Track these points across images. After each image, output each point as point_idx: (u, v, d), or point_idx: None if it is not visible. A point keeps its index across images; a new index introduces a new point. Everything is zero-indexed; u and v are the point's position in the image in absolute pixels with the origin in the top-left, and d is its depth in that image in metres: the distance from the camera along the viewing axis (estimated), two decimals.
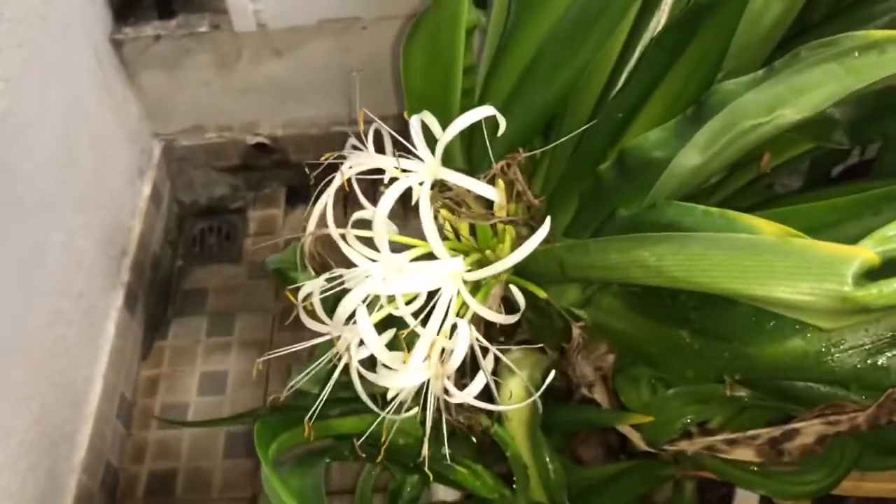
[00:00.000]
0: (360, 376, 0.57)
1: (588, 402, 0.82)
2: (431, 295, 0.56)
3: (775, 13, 0.65)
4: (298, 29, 1.43)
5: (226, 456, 1.41)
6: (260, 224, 1.68)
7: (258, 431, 0.61)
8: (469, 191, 0.56)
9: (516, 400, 0.70)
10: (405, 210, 0.61)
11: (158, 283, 1.58)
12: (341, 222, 0.58)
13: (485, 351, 0.57)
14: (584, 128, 0.65)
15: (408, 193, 0.55)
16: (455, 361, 0.52)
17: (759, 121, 0.56)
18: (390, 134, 0.60)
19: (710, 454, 0.77)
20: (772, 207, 0.66)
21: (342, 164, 0.59)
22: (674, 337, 0.65)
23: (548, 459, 0.79)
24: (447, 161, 0.57)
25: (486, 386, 0.57)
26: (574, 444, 0.96)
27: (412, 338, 0.54)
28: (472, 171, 0.57)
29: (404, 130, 0.58)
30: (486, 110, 0.54)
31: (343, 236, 0.56)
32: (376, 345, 0.53)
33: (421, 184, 0.54)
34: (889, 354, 0.55)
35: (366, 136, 0.59)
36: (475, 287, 0.59)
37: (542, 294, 0.61)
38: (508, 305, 0.61)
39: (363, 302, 0.54)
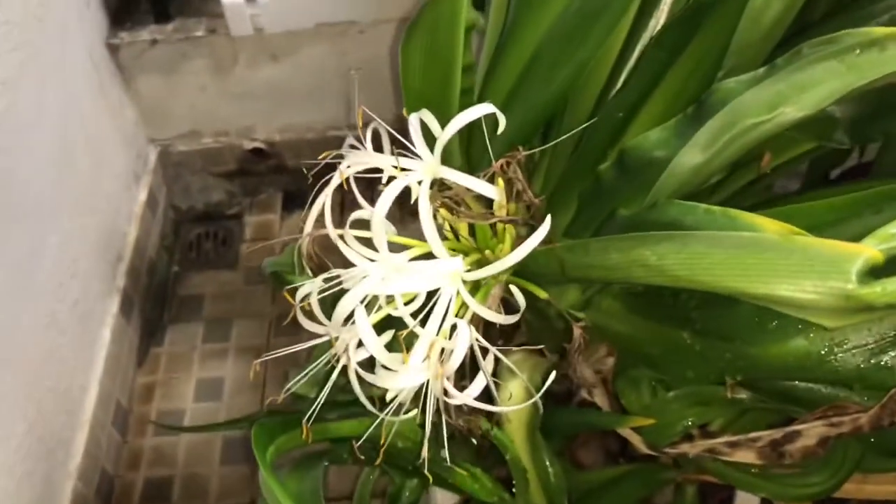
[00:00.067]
0: (359, 378, 0.56)
1: (588, 405, 0.81)
2: (430, 296, 0.55)
3: (776, 11, 0.64)
4: (295, 33, 1.43)
5: (223, 462, 1.40)
6: (256, 229, 1.67)
7: (256, 434, 0.61)
8: (468, 190, 0.56)
9: (516, 402, 0.69)
10: (402, 214, 0.61)
11: (154, 288, 1.58)
12: (339, 226, 0.58)
13: (484, 352, 0.56)
14: (583, 126, 0.64)
15: (405, 197, 0.55)
16: (455, 361, 0.52)
17: (760, 119, 0.55)
18: (388, 134, 0.59)
19: (712, 457, 0.77)
20: (772, 207, 0.65)
21: (340, 163, 0.59)
22: (675, 338, 0.65)
23: (548, 463, 0.78)
24: (446, 161, 0.56)
25: (486, 388, 0.57)
26: (573, 448, 0.96)
27: (411, 338, 0.54)
28: (470, 171, 0.57)
29: (402, 134, 0.57)
30: (485, 108, 0.53)
31: (341, 237, 0.56)
32: (375, 345, 0.52)
33: (420, 182, 0.54)
34: (893, 353, 0.55)
35: (364, 135, 0.58)
36: (474, 287, 0.59)
37: (542, 294, 0.60)
38: (508, 307, 0.61)
39: (361, 302, 0.53)
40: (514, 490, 0.79)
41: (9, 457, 1.10)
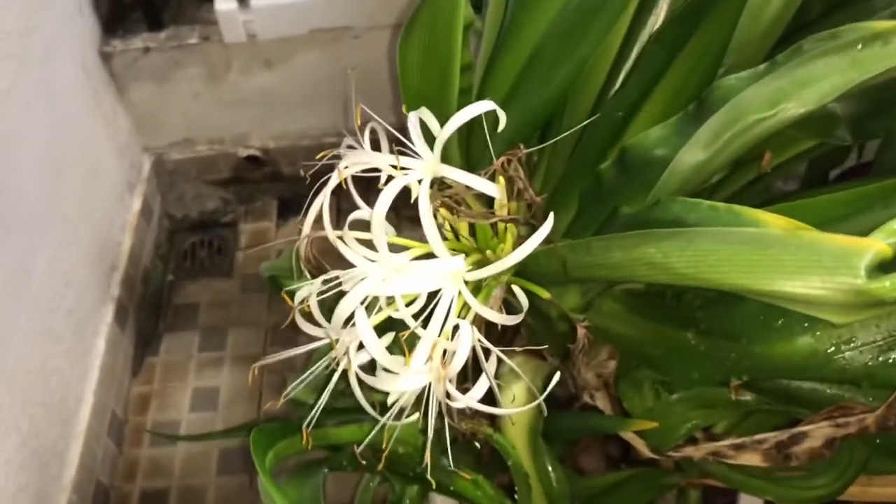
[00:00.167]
0: (360, 382, 0.55)
1: (590, 409, 0.80)
2: (431, 297, 0.54)
3: (776, 8, 0.64)
4: (289, 39, 1.42)
5: (219, 473, 1.39)
6: (252, 237, 1.67)
7: (254, 440, 0.60)
8: (468, 189, 0.55)
9: (519, 406, 0.68)
10: (398, 220, 0.60)
11: (149, 298, 1.57)
12: (336, 229, 0.57)
13: (486, 354, 0.55)
14: (583, 124, 0.63)
15: (401, 203, 0.54)
16: (458, 363, 0.51)
17: (762, 115, 0.54)
18: (387, 134, 0.59)
19: (716, 460, 0.76)
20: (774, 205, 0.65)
21: (338, 165, 0.58)
22: (678, 338, 0.64)
23: (550, 468, 0.77)
24: (444, 161, 0.55)
25: (488, 392, 0.56)
26: (575, 454, 0.95)
27: (412, 340, 0.53)
28: (470, 171, 0.56)
29: (399, 139, 0.57)
30: (485, 104, 0.52)
31: (340, 238, 0.55)
32: (376, 347, 0.51)
33: (420, 181, 0.53)
34: None
35: (361, 135, 0.57)
36: (476, 289, 0.58)
37: (544, 294, 0.59)
38: (509, 309, 0.60)
39: (362, 304, 0.52)
40: (515, 497, 0.78)
41: (2, 469, 1.09)
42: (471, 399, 0.53)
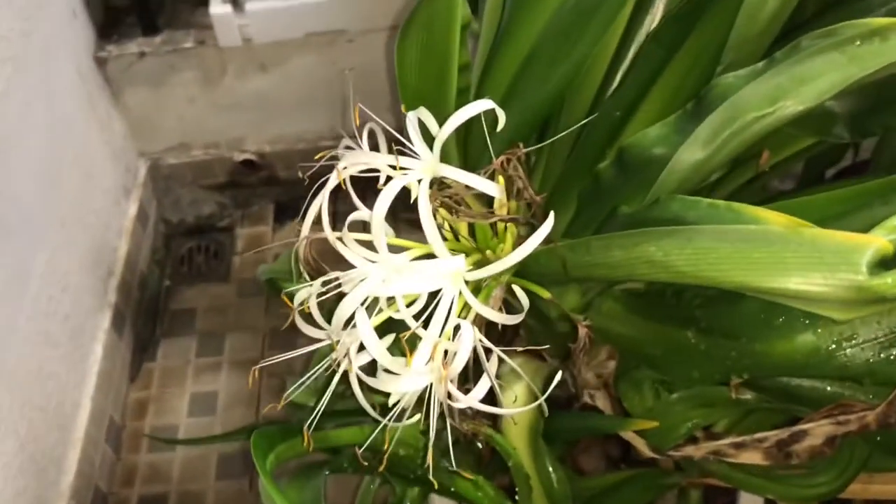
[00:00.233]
0: (360, 383, 0.55)
1: (590, 410, 0.80)
2: (431, 298, 0.54)
3: (773, 6, 0.64)
4: (284, 43, 1.42)
5: (218, 477, 1.39)
6: (248, 242, 1.66)
7: (255, 442, 0.59)
8: (468, 189, 0.55)
9: (520, 406, 0.68)
10: (396, 222, 0.60)
11: (146, 303, 1.56)
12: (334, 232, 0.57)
13: (487, 354, 0.55)
14: (581, 123, 0.63)
15: (398, 207, 0.54)
16: (459, 362, 0.51)
17: (761, 113, 0.54)
18: (385, 135, 0.58)
19: (717, 459, 0.76)
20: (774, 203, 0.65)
21: (336, 166, 0.58)
22: (679, 338, 0.64)
23: (550, 469, 0.77)
24: (443, 161, 0.55)
25: (489, 393, 0.56)
26: (575, 454, 0.95)
27: (413, 341, 0.53)
28: (469, 171, 0.56)
29: (396, 140, 0.57)
30: (485, 103, 0.52)
31: (340, 239, 0.55)
32: (377, 347, 0.51)
33: (419, 181, 0.53)
34: None
35: (360, 135, 0.57)
36: (476, 289, 0.58)
37: (545, 294, 0.59)
38: (509, 310, 0.60)
39: (362, 304, 0.52)
40: (516, 498, 0.78)
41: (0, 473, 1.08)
42: (473, 399, 0.52)
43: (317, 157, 0.57)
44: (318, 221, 0.59)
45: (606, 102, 0.70)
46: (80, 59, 1.37)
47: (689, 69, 0.65)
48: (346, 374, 0.56)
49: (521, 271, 0.60)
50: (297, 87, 1.49)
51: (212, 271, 1.63)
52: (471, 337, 0.51)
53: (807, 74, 0.53)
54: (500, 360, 0.56)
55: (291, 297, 0.58)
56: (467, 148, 0.67)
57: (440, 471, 0.65)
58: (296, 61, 1.45)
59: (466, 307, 0.54)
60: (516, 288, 0.59)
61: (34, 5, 1.22)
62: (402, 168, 0.55)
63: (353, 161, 0.56)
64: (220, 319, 1.57)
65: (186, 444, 1.42)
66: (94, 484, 1.33)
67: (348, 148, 0.58)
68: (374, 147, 0.59)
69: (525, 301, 0.57)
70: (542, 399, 0.56)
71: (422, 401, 0.55)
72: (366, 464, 0.61)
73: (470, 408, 0.54)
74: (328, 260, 0.59)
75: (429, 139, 0.55)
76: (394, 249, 0.56)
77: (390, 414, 0.56)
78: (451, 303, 0.53)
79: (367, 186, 0.59)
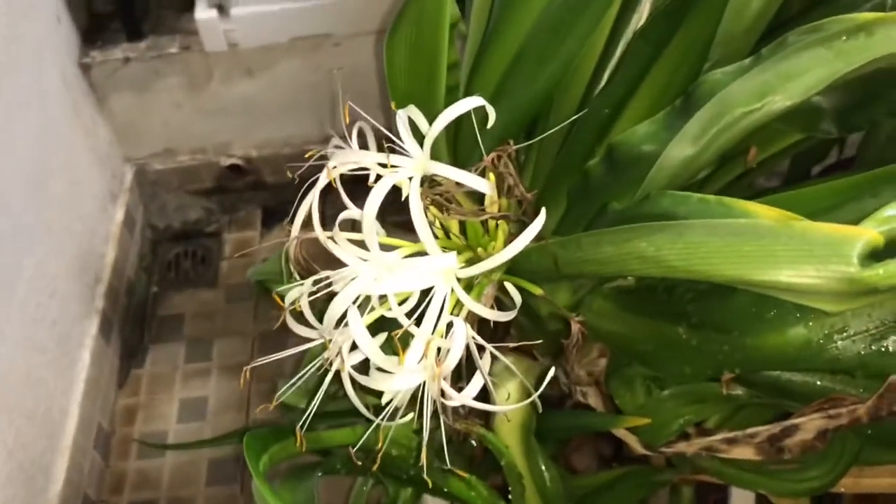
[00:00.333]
0: (353, 382, 0.55)
1: (582, 408, 0.80)
2: (423, 296, 0.54)
3: (759, 2, 0.64)
4: (270, 48, 1.42)
5: (209, 483, 1.38)
6: (236, 247, 1.65)
7: (248, 444, 0.59)
8: (458, 186, 0.55)
9: (513, 403, 0.68)
10: (385, 224, 0.60)
11: (134, 309, 1.55)
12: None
13: (480, 352, 0.55)
14: (570, 120, 0.63)
15: (385, 209, 0.54)
16: (452, 360, 0.51)
17: (749, 108, 0.55)
18: (375, 134, 0.58)
19: (709, 455, 0.76)
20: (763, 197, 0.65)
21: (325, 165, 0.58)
22: (670, 333, 0.64)
23: (543, 467, 0.77)
24: (433, 159, 0.55)
25: (482, 392, 0.56)
26: (567, 453, 0.95)
27: (406, 339, 0.52)
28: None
29: (386, 138, 0.57)
30: (475, 100, 0.52)
31: (331, 238, 0.54)
32: (369, 346, 0.51)
33: (410, 179, 0.53)
34: (894, 338, 0.54)
35: (350, 134, 0.57)
36: (468, 287, 0.58)
37: (536, 290, 0.59)
38: (500, 309, 0.60)
39: (354, 303, 0.52)
40: (509, 497, 0.78)
41: None
42: (466, 397, 0.52)
43: (307, 156, 0.57)
44: (308, 222, 0.59)
45: (595, 100, 0.70)
46: (64, 65, 1.37)
47: (676, 66, 0.65)
48: (338, 374, 0.56)
49: (512, 269, 0.60)
50: (284, 91, 1.48)
51: (199, 277, 1.62)
52: (464, 333, 0.51)
53: (793, 70, 0.54)
54: (493, 358, 0.56)
55: (282, 296, 0.58)
56: (457, 146, 0.67)
57: (433, 470, 0.64)
58: (282, 66, 1.45)
59: (458, 305, 0.54)
60: (508, 285, 0.59)
61: (17, 11, 1.21)
62: (392, 166, 0.55)
63: (344, 160, 0.55)
64: (208, 325, 1.56)
65: (176, 448, 1.41)
66: (83, 492, 1.32)
67: (338, 147, 0.58)
68: (364, 147, 0.59)
69: (517, 298, 0.57)
70: (535, 396, 0.56)
71: (415, 400, 0.55)
72: (359, 464, 0.61)
73: (463, 406, 0.54)
74: (318, 262, 0.59)
75: (419, 137, 0.55)
76: (385, 248, 0.56)
77: (383, 413, 0.56)
78: (444, 300, 0.53)
79: (356, 188, 0.59)
